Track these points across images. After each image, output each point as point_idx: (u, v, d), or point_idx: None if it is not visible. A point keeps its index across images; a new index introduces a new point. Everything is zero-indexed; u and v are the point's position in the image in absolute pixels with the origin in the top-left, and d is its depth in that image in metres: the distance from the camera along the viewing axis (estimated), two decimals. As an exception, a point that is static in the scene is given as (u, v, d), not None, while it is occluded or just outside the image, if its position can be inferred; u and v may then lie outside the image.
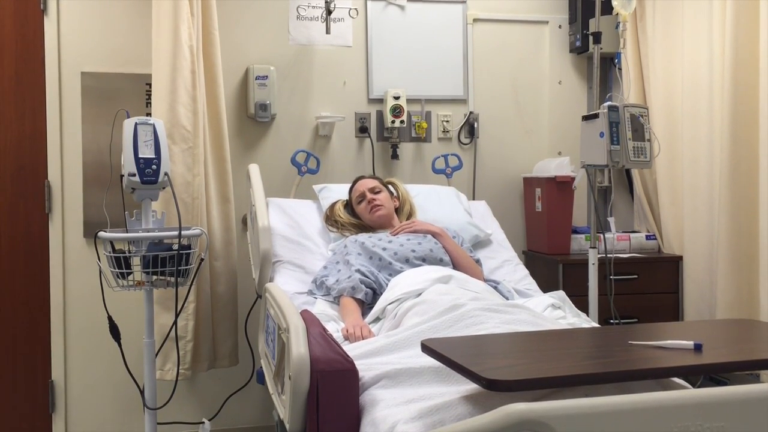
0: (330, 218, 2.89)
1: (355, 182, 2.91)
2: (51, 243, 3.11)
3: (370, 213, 2.79)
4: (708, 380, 2.84)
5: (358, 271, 2.52)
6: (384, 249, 2.61)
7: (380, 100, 3.43)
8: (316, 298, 2.56)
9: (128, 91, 3.15)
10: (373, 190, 2.83)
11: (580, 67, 3.66)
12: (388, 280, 2.51)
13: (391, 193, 2.92)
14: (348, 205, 2.92)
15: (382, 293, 2.50)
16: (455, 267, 2.64)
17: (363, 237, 2.69)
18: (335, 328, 2.33)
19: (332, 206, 2.92)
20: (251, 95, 3.24)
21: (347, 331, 2.23)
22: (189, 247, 2.40)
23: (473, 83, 3.55)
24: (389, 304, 2.35)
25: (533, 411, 1.18)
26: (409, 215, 2.93)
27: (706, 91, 3.03)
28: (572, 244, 3.36)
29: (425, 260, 2.60)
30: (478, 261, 2.74)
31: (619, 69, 3.38)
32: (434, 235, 2.71)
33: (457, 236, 2.81)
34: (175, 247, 2.36)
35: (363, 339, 2.15)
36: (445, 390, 1.65)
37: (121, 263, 2.35)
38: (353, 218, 2.85)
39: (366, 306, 2.49)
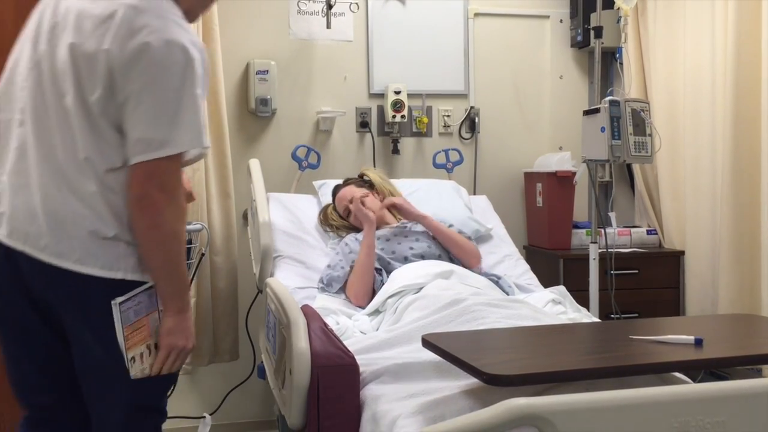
0: (324, 222, 2.88)
1: (334, 195, 2.87)
2: (52, 238, 3.10)
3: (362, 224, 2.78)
4: (709, 375, 2.84)
5: None
6: (382, 249, 2.61)
7: (381, 95, 3.42)
8: (330, 294, 2.57)
9: (129, 86, 3.14)
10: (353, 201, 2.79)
11: (581, 62, 3.66)
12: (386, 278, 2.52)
13: (371, 185, 2.89)
14: None
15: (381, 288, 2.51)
16: (447, 248, 2.66)
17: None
18: (336, 323, 2.33)
19: (324, 210, 2.91)
20: (252, 90, 3.24)
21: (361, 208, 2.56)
22: (190, 242, 2.40)
23: (474, 78, 3.54)
24: (389, 297, 2.35)
25: (534, 406, 1.19)
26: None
27: (708, 85, 3.02)
28: (573, 239, 3.36)
29: (423, 257, 2.60)
30: (470, 239, 2.74)
31: (621, 64, 3.37)
32: (420, 219, 2.71)
33: (455, 228, 2.80)
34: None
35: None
36: (445, 385, 1.65)
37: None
38: (346, 221, 2.84)
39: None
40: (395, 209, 2.79)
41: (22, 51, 1.66)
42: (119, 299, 1.55)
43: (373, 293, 2.51)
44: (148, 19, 1.51)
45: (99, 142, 1.54)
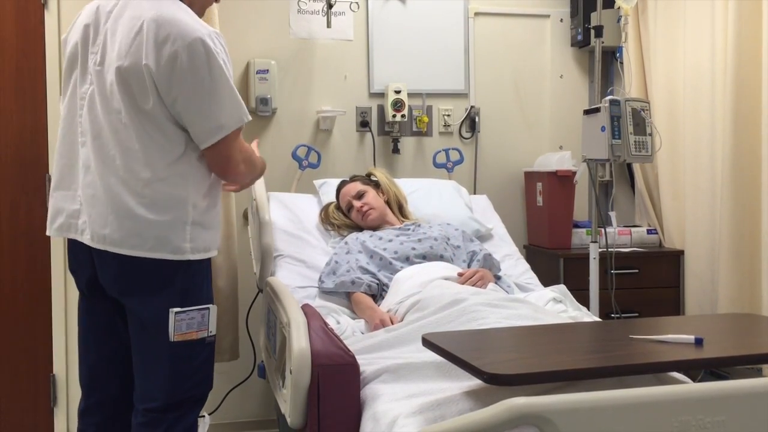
0: (325, 221, 2.89)
1: (338, 190, 2.89)
2: (52, 237, 3.10)
3: (363, 220, 2.78)
4: (709, 374, 2.84)
5: (360, 268, 2.53)
6: (384, 249, 2.61)
7: (381, 95, 3.42)
8: (325, 292, 2.56)
9: (129, 85, 3.16)
10: (358, 196, 2.80)
11: (582, 61, 3.66)
12: (389, 279, 2.51)
13: (377, 185, 2.90)
14: (340, 207, 2.90)
15: (383, 290, 2.51)
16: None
17: (364, 236, 2.69)
18: (336, 322, 2.33)
19: (326, 209, 2.92)
20: (252, 89, 3.24)
21: (376, 326, 2.24)
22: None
23: (474, 77, 3.54)
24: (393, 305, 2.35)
25: (534, 405, 1.19)
26: (399, 205, 2.91)
27: (708, 84, 3.02)
28: (573, 239, 3.36)
29: (426, 257, 2.59)
30: (490, 255, 2.71)
31: (621, 63, 3.37)
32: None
33: (459, 230, 2.80)
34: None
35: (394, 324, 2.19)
36: (446, 385, 1.65)
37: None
38: (348, 219, 2.84)
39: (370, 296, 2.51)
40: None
41: (74, 81, 1.93)
42: (176, 309, 1.83)
43: (374, 296, 2.51)
44: (169, 29, 1.77)
45: (158, 140, 1.81)
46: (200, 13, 1.95)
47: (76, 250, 1.96)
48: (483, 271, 2.51)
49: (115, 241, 1.81)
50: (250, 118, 1.91)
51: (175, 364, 1.87)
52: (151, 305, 1.86)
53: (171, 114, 1.81)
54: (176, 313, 1.83)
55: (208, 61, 1.77)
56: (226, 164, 1.89)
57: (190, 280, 1.88)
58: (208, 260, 1.96)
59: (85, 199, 1.87)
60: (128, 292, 1.88)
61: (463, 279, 2.44)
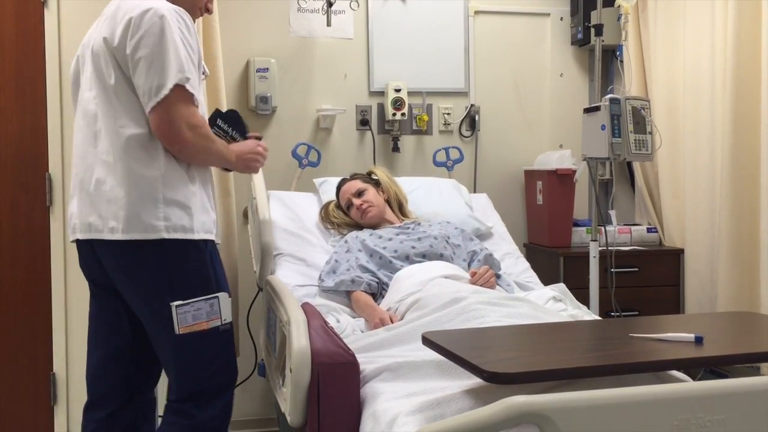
0: (325, 219, 2.89)
1: (338, 188, 2.89)
2: (52, 236, 3.10)
3: (362, 217, 2.78)
4: (708, 373, 2.84)
5: (360, 266, 2.53)
6: (384, 248, 2.61)
7: (381, 93, 3.42)
8: (325, 291, 2.56)
9: (129, 84, 3.16)
10: (357, 193, 2.80)
11: (582, 60, 3.66)
12: (389, 278, 2.52)
13: (377, 183, 2.91)
14: (340, 206, 2.91)
15: (383, 289, 2.51)
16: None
17: (364, 235, 2.69)
18: (336, 321, 2.33)
19: (326, 207, 2.92)
20: (252, 88, 3.24)
21: (375, 325, 2.24)
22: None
23: (474, 76, 3.54)
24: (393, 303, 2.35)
25: (533, 403, 1.19)
26: (399, 204, 2.91)
27: (708, 83, 3.02)
28: (573, 237, 3.36)
29: (425, 256, 2.59)
30: (490, 255, 2.72)
31: (621, 61, 3.37)
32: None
33: (459, 229, 2.80)
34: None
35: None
36: (446, 384, 1.65)
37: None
38: (348, 218, 2.85)
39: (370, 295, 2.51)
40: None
41: (80, 94, 1.99)
42: (177, 302, 1.84)
43: (374, 295, 2.52)
44: (127, 6, 1.86)
45: (123, 115, 1.85)
46: (190, 11, 1.95)
47: (80, 248, 2.01)
48: (491, 271, 2.52)
49: (98, 227, 1.86)
50: (189, 77, 1.84)
51: (184, 357, 1.88)
52: (142, 295, 1.88)
53: (134, 87, 1.84)
54: (177, 306, 1.83)
55: (161, 28, 1.80)
56: (168, 129, 1.81)
57: (181, 267, 1.87)
58: (209, 246, 1.94)
59: (77, 191, 1.94)
60: (122, 281, 1.91)
61: (474, 279, 2.44)
